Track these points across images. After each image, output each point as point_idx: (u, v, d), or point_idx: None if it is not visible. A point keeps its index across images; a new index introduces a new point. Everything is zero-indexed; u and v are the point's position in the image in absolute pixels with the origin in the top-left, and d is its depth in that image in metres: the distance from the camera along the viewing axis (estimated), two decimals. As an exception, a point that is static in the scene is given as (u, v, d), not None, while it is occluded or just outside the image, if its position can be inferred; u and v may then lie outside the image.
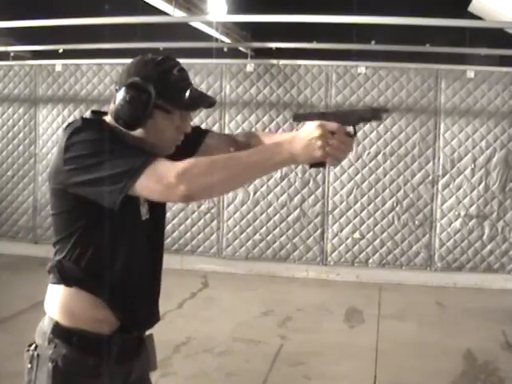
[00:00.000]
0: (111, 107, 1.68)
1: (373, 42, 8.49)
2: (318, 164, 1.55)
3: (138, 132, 1.67)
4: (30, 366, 1.71)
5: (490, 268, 6.19)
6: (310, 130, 1.50)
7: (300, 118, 1.61)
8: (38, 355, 1.70)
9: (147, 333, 1.88)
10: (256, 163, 1.50)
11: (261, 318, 5.25)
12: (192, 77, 6.60)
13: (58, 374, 1.67)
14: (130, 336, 1.76)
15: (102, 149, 1.53)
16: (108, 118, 1.71)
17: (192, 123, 1.80)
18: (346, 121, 1.59)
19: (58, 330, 1.69)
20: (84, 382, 1.70)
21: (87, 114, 1.76)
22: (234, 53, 9.67)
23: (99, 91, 6.83)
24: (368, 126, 6.29)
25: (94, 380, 1.70)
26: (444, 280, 6.24)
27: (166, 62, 1.67)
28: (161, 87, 1.62)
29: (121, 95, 1.62)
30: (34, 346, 1.72)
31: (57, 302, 1.71)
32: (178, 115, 1.68)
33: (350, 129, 1.58)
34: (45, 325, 1.73)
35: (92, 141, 1.55)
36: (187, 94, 1.67)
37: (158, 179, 1.48)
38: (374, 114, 1.62)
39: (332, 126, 1.51)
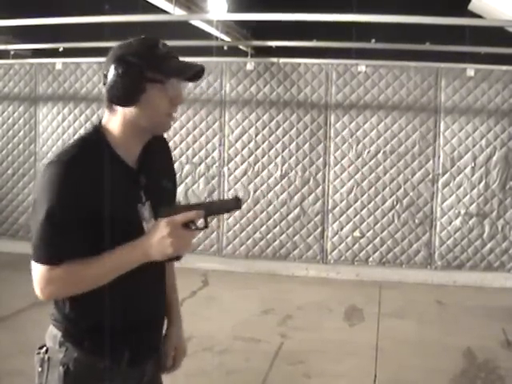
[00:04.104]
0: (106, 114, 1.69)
1: (373, 41, 8.50)
2: (174, 258, 1.63)
3: (133, 113, 1.64)
4: (40, 369, 1.69)
5: (490, 266, 6.19)
6: (160, 228, 1.57)
7: (166, 212, 1.62)
8: (48, 358, 1.68)
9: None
10: (115, 269, 1.60)
11: (261, 316, 5.25)
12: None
13: (70, 378, 1.65)
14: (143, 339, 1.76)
15: (44, 206, 1.57)
16: (103, 126, 1.69)
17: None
18: (209, 211, 1.65)
19: (69, 334, 1.68)
20: None
21: (86, 129, 1.75)
22: (234, 51, 9.69)
23: (99, 89, 6.82)
24: (368, 124, 6.30)
25: None
26: (444, 278, 6.24)
27: (149, 38, 1.68)
28: (149, 60, 1.62)
29: (111, 73, 1.61)
30: (44, 348, 1.70)
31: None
32: (170, 85, 1.65)
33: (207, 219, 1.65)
34: (56, 328, 1.71)
35: (44, 190, 1.59)
36: (177, 60, 1.68)
37: (34, 279, 1.60)
38: (237, 203, 1.67)
39: (180, 218, 1.58)
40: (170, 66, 1.65)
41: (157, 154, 1.80)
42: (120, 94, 1.61)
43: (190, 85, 6.57)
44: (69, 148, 1.64)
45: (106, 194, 1.60)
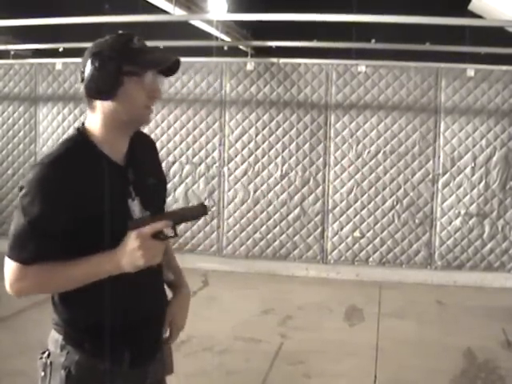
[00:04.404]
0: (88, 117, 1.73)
1: (373, 41, 8.50)
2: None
3: (112, 107, 1.66)
4: (43, 373, 1.69)
5: (490, 266, 6.19)
6: (130, 241, 1.59)
7: (135, 224, 1.64)
8: (50, 363, 1.68)
9: (164, 336, 1.87)
10: (85, 277, 1.62)
11: (261, 316, 5.25)
12: (192, 75, 6.61)
13: (72, 381, 1.66)
14: (144, 339, 1.75)
15: (26, 209, 1.60)
16: (86, 128, 1.72)
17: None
18: (176, 220, 1.67)
19: (69, 337, 1.68)
20: None
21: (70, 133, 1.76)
22: (234, 51, 9.69)
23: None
24: (368, 124, 6.30)
25: None
26: (444, 278, 6.24)
27: (124, 34, 1.71)
28: (125, 53, 1.65)
29: (88, 68, 1.64)
30: (46, 353, 1.71)
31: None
32: (147, 78, 1.68)
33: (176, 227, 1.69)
34: (57, 332, 1.71)
35: (28, 192, 1.60)
36: (152, 54, 1.70)
37: (5, 273, 1.63)
38: (204, 210, 1.71)
39: (148, 229, 1.60)
40: (145, 58, 1.67)
41: (144, 153, 1.83)
42: (98, 88, 1.64)
43: (190, 85, 6.58)
44: (52, 151, 1.66)
45: (94, 193, 1.62)
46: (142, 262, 1.59)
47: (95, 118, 1.69)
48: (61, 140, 1.75)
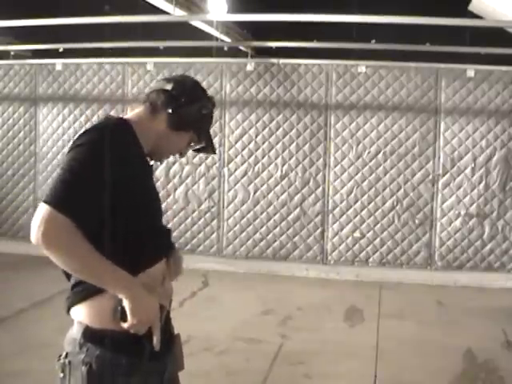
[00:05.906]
0: (137, 110, 1.92)
1: (373, 41, 8.50)
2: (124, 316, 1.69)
3: (164, 132, 1.89)
4: (62, 374, 1.71)
5: (491, 267, 6.19)
6: (153, 308, 1.72)
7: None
8: (69, 362, 1.70)
9: (175, 332, 1.93)
10: (103, 271, 1.65)
11: (261, 316, 5.25)
12: (192, 76, 6.60)
13: (93, 375, 1.68)
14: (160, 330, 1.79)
15: (82, 161, 1.65)
16: (133, 119, 1.86)
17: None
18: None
19: (89, 334, 1.70)
20: (118, 381, 1.71)
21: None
22: (234, 52, 9.68)
23: (99, 90, 6.83)
24: (368, 124, 6.31)
25: (129, 379, 1.72)
26: (444, 279, 6.24)
27: (213, 100, 2.00)
28: (207, 118, 1.98)
29: (186, 101, 1.88)
30: (64, 354, 1.73)
31: (84, 307, 1.73)
32: (189, 143, 1.98)
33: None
34: (74, 332, 1.74)
35: (89, 147, 1.68)
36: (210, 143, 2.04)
37: (41, 220, 1.57)
38: None
39: (156, 328, 1.73)
40: (208, 135, 2.01)
41: None
42: (180, 121, 1.89)
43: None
44: (103, 123, 1.78)
45: (144, 174, 1.83)
46: (139, 313, 1.66)
47: (151, 120, 1.88)
48: (107, 118, 1.87)
